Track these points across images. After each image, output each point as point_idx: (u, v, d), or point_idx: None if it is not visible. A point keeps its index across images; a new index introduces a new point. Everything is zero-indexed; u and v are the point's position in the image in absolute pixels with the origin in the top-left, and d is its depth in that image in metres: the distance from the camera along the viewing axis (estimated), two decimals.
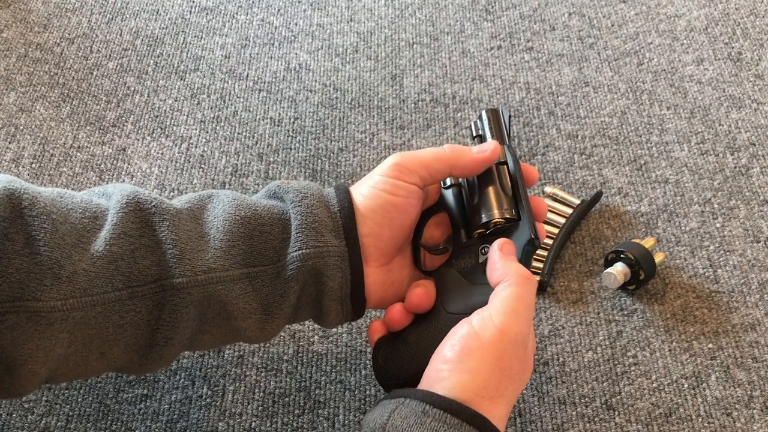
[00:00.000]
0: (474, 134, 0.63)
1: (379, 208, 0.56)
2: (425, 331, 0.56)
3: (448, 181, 0.61)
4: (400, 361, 0.56)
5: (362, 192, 0.57)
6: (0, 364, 0.49)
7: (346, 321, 0.59)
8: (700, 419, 0.66)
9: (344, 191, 0.57)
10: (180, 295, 0.52)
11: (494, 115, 0.62)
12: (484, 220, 0.57)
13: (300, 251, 0.54)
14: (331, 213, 0.56)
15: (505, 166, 0.59)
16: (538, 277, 0.74)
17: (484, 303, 0.53)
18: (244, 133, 0.87)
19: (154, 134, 0.87)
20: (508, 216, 0.56)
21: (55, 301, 0.49)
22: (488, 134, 0.62)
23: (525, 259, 0.55)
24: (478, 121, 0.63)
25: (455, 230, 0.59)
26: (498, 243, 0.55)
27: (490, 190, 0.58)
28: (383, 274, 0.58)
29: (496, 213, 0.57)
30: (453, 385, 0.49)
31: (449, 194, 0.61)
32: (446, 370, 0.50)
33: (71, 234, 0.51)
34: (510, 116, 0.63)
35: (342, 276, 0.56)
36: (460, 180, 0.61)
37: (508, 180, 0.58)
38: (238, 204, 0.56)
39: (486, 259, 0.56)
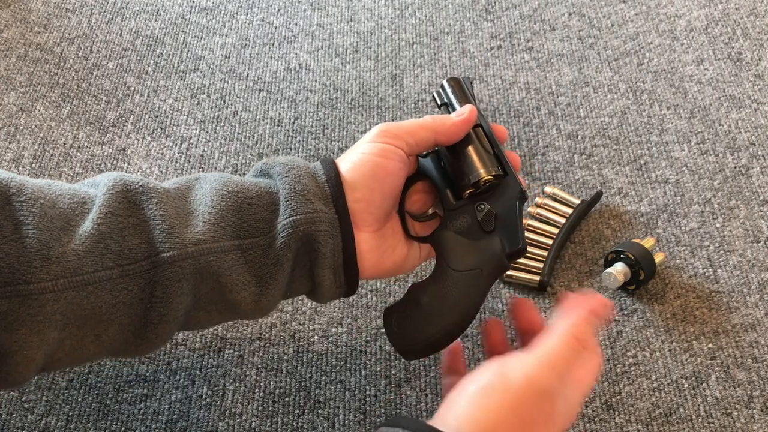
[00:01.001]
0: (439, 103, 0.64)
1: (369, 172, 0.57)
2: (436, 291, 0.57)
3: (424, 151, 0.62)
4: (414, 324, 0.57)
5: (351, 159, 0.58)
6: None
7: (340, 295, 0.59)
8: (700, 419, 0.66)
9: (330, 162, 0.58)
10: (171, 269, 0.52)
11: (456, 83, 0.64)
12: (473, 180, 0.58)
13: (290, 218, 0.54)
14: (318, 183, 0.57)
15: (480, 128, 0.61)
16: (537, 277, 0.74)
17: (490, 254, 0.55)
18: (244, 133, 0.87)
19: (154, 134, 0.87)
20: (495, 173, 0.58)
21: (46, 282, 0.49)
22: (454, 101, 0.63)
23: (519, 210, 0.57)
24: (440, 90, 0.64)
25: (442, 195, 0.61)
26: (595, 298, 0.54)
27: (472, 150, 0.59)
28: (377, 239, 0.58)
29: (483, 172, 0.58)
30: (464, 416, 0.47)
31: (427, 162, 0.62)
32: (464, 401, 0.48)
33: (60, 218, 0.51)
34: (471, 82, 0.65)
35: (334, 243, 0.56)
36: (437, 147, 0.61)
37: (486, 140, 0.60)
38: (225, 181, 0.56)
39: (484, 216, 0.58)
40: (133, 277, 0.52)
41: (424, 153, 0.62)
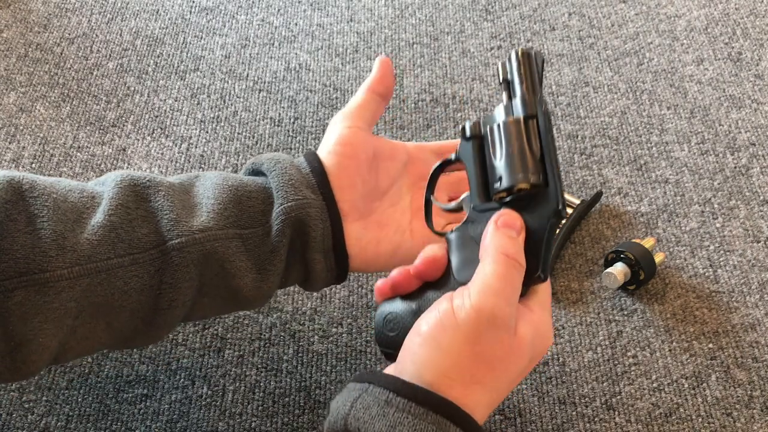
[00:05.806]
0: (501, 79, 0.53)
1: (339, 158, 0.59)
2: (434, 299, 0.50)
3: (468, 131, 0.54)
4: (405, 330, 0.51)
5: (322, 152, 0.61)
6: (11, 341, 0.50)
7: (331, 280, 0.60)
8: (700, 419, 0.66)
9: (312, 154, 0.60)
10: (180, 255, 0.54)
11: (527, 58, 0.53)
12: (506, 184, 0.50)
13: (282, 206, 0.57)
14: (303, 174, 0.59)
15: (535, 121, 0.51)
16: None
17: None
18: (244, 133, 0.87)
19: (154, 134, 0.87)
20: (534, 182, 0.49)
21: (62, 270, 0.51)
22: (517, 80, 0.53)
23: (549, 231, 0.49)
24: (507, 62, 0.54)
25: (473, 190, 0.53)
26: (498, 213, 0.50)
27: (516, 149, 0.50)
28: (361, 229, 0.59)
29: (520, 177, 0.49)
30: (422, 361, 0.47)
31: (469, 147, 0.54)
32: (418, 344, 0.47)
33: (72, 211, 0.53)
34: (543, 60, 0.54)
35: (323, 227, 0.58)
36: (483, 131, 0.53)
37: (537, 139, 0.51)
38: (224, 177, 0.59)
39: None
40: (143, 265, 0.54)
41: (469, 135, 0.54)
